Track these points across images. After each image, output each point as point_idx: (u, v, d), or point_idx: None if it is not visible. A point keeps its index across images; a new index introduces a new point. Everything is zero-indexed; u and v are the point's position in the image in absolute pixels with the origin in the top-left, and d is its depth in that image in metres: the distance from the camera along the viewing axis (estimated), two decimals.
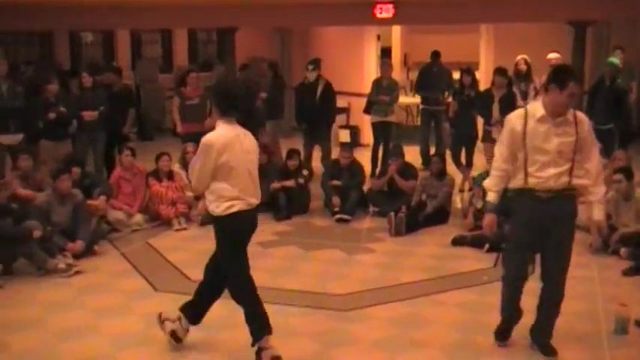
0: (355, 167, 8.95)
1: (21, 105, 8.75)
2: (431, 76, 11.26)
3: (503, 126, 8.90)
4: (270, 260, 7.02)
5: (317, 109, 10.11)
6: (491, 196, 4.82)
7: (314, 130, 10.28)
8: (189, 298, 5.88)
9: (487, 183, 4.87)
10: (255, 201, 4.79)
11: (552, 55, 10.04)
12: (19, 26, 10.71)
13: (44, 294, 6.12)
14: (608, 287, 6.00)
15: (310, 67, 10.01)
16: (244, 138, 4.79)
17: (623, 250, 6.79)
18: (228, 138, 4.66)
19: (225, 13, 9.44)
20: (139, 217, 8.27)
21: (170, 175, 8.65)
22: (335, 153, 9.63)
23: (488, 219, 4.86)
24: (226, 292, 4.91)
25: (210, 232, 7.85)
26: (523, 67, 9.62)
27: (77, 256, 6.90)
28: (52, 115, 8.78)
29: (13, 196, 7.31)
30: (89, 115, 9.15)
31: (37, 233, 6.54)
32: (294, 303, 5.81)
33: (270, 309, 5.65)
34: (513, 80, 9.55)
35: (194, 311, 5.05)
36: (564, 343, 4.95)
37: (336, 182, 8.76)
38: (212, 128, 4.83)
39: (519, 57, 9.71)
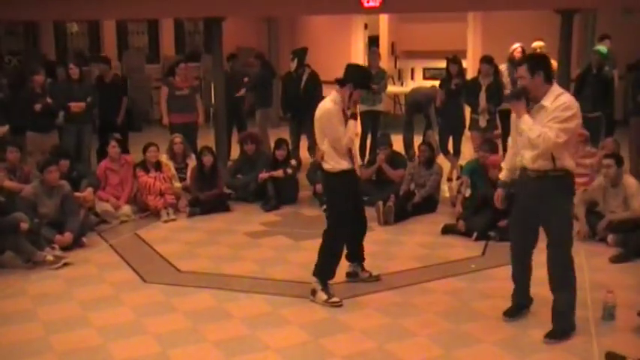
0: None
1: (6, 96, 8.68)
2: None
3: (489, 114, 9.12)
4: (259, 250, 7.01)
5: (302, 99, 10.10)
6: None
7: (300, 119, 10.28)
8: (178, 289, 5.93)
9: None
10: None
11: (537, 44, 10.07)
12: (2, 15, 10.59)
13: (33, 286, 6.09)
14: (595, 274, 6.04)
15: (290, 56, 10.00)
16: None
17: (610, 237, 6.82)
18: None
19: (212, 3, 9.38)
20: (126, 209, 8.23)
21: (158, 166, 8.60)
22: None
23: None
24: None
25: (197, 223, 7.97)
26: (519, 55, 9.52)
27: (65, 248, 6.86)
28: (38, 107, 8.72)
29: (0, 189, 7.26)
30: (76, 106, 9.09)
31: (24, 225, 6.48)
32: (283, 293, 5.80)
33: (259, 299, 5.69)
34: (508, 67, 9.53)
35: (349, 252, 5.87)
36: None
37: None
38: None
39: (516, 45, 9.69)
